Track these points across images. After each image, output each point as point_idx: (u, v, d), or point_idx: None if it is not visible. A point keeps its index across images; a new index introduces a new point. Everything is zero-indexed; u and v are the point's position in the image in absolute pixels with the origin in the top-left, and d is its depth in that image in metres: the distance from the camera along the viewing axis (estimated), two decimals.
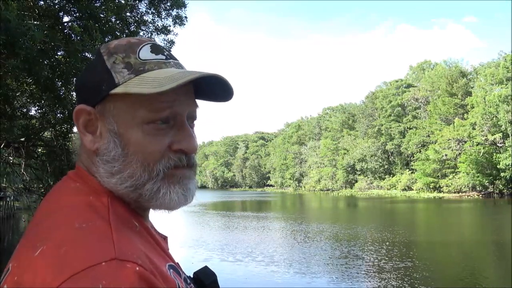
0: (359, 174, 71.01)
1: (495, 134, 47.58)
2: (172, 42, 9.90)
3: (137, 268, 0.54)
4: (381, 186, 65.92)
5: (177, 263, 0.76)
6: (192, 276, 0.79)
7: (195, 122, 0.72)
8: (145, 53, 0.68)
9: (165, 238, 0.79)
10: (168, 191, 0.66)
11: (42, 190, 11.40)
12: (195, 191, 0.71)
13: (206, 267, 0.82)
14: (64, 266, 0.52)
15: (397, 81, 73.23)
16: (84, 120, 0.68)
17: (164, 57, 0.69)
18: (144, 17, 9.39)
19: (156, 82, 0.62)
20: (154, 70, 0.66)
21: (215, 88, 0.71)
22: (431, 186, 55.02)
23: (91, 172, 0.68)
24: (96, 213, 0.60)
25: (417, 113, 65.94)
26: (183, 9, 9.53)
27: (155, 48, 0.69)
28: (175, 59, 0.71)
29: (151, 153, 0.65)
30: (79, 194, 0.64)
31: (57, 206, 0.64)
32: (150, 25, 9.54)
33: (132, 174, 0.64)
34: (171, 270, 0.65)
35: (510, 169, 45.19)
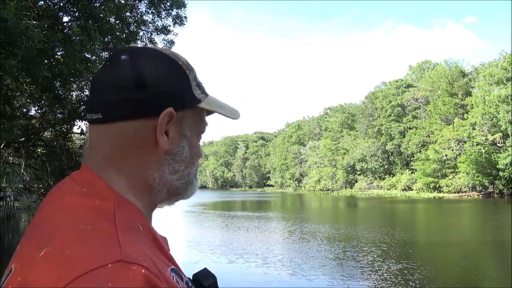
0: (359, 174, 71.02)
1: (495, 134, 47.60)
2: (172, 42, 9.89)
3: (143, 271, 0.54)
4: (381, 186, 65.93)
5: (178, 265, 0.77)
6: (191, 278, 0.79)
7: None
8: (198, 75, 0.79)
9: (165, 239, 0.79)
10: (196, 184, 0.80)
11: (42, 190, 11.40)
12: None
13: (205, 269, 0.82)
14: (70, 268, 0.52)
15: (397, 81, 73.26)
16: (166, 122, 0.71)
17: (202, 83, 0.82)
18: (144, 17, 9.38)
19: (229, 111, 0.80)
20: (208, 94, 0.78)
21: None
22: (431, 186, 55.03)
23: (123, 169, 0.69)
24: (102, 216, 0.61)
25: (417, 113, 65.95)
26: (183, 9, 9.53)
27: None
28: None
29: (200, 157, 0.80)
30: (84, 198, 0.65)
31: (61, 207, 0.63)
32: (150, 25, 9.53)
33: (189, 172, 0.76)
34: (173, 274, 0.65)
35: (510, 169, 45.19)
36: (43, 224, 0.62)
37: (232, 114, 0.80)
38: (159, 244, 0.69)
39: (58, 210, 0.63)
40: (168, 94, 0.71)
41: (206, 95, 0.77)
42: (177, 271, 0.68)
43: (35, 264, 0.55)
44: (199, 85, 0.76)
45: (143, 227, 0.66)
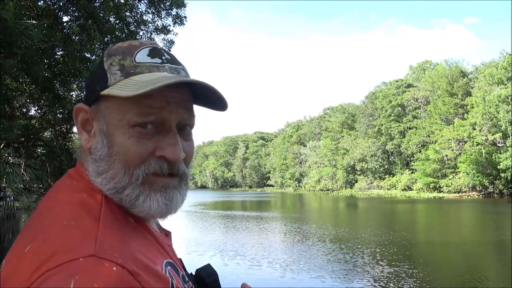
0: (359, 174, 71.00)
1: (495, 134, 47.59)
2: (172, 42, 9.88)
3: (115, 268, 0.54)
4: (381, 186, 65.91)
5: (180, 259, 0.77)
6: (193, 273, 0.79)
7: (191, 129, 0.72)
8: (142, 56, 0.68)
9: (167, 233, 0.80)
10: (147, 198, 0.66)
11: (42, 190, 11.39)
12: (180, 201, 0.70)
13: (208, 265, 0.81)
14: (45, 261, 0.53)
15: (397, 81, 73.22)
16: (82, 119, 0.70)
17: (160, 61, 0.68)
18: (144, 17, 9.37)
19: (136, 86, 0.63)
20: (143, 73, 0.66)
21: (209, 96, 0.70)
22: (431, 186, 55.02)
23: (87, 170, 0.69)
24: (87, 210, 0.61)
25: (417, 113, 65.93)
26: (182, 9, 9.52)
27: (154, 52, 0.69)
28: (175, 63, 0.70)
29: (132, 156, 0.65)
30: (73, 191, 0.65)
31: (52, 203, 0.64)
32: (150, 24, 9.52)
33: (115, 175, 0.65)
34: (168, 267, 0.65)
35: (510, 169, 45.18)
36: (34, 222, 0.62)
37: (152, 83, 0.62)
38: (154, 236, 0.68)
39: (49, 208, 0.64)
40: (88, 89, 0.71)
41: (129, 75, 0.66)
42: (173, 264, 0.68)
43: (19, 259, 0.56)
44: (123, 67, 0.67)
45: (134, 219, 0.66)
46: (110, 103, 0.66)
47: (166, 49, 0.73)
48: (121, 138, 0.65)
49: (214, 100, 0.71)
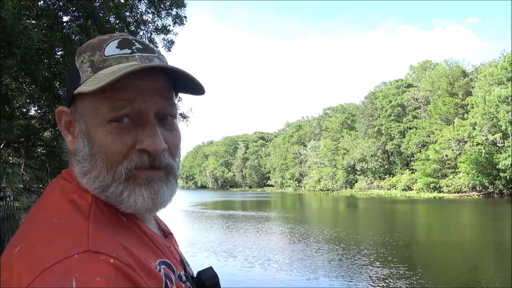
0: (359, 174, 70.97)
1: (495, 134, 47.58)
2: (172, 42, 9.88)
3: (112, 260, 0.53)
4: (381, 186, 65.87)
5: (180, 259, 0.77)
6: (195, 275, 0.78)
7: (174, 119, 0.69)
8: (110, 49, 0.66)
9: (167, 235, 0.79)
10: (132, 193, 0.64)
11: (42, 190, 11.38)
12: (168, 195, 0.67)
13: (210, 268, 0.81)
14: (38, 262, 0.52)
15: (397, 81, 73.18)
16: (65, 121, 0.70)
17: (129, 51, 0.66)
18: (144, 17, 9.36)
19: (100, 79, 0.61)
20: (112, 66, 0.64)
21: (186, 81, 0.68)
22: (431, 186, 55.00)
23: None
24: (77, 210, 0.61)
25: (417, 113, 65.90)
26: (182, 8, 9.51)
27: (122, 43, 0.67)
28: (148, 51, 0.68)
29: (113, 153, 0.63)
30: (64, 192, 0.65)
31: (43, 204, 0.64)
32: (150, 24, 9.52)
33: (98, 174, 0.64)
34: (163, 266, 0.64)
35: (510, 169, 45.17)
36: (27, 222, 0.62)
37: (114, 74, 0.61)
38: (148, 235, 0.68)
39: (40, 208, 0.64)
40: (66, 90, 0.72)
41: (98, 70, 0.64)
42: (169, 264, 0.67)
43: (9, 261, 0.56)
44: (92, 63, 0.65)
45: (126, 218, 0.66)
46: (84, 102, 0.65)
47: (139, 39, 0.71)
48: (99, 136, 0.63)
49: (191, 85, 0.69)
